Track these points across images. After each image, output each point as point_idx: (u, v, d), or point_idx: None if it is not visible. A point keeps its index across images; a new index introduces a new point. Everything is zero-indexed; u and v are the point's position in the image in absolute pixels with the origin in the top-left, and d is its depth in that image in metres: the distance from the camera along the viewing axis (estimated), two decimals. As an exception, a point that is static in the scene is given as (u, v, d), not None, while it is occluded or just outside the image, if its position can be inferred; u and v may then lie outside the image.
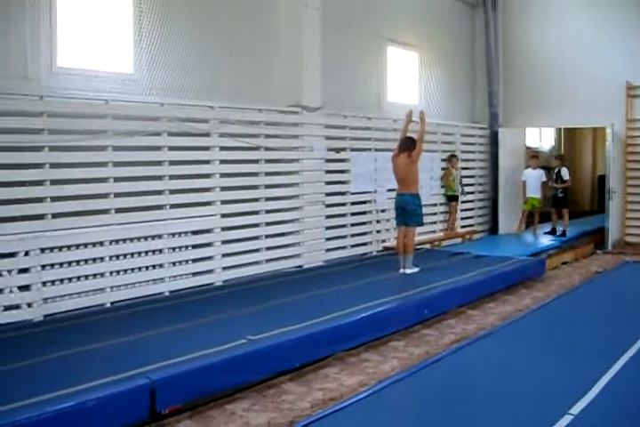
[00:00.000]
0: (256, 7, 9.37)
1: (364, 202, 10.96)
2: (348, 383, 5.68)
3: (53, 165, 6.94)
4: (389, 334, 7.01)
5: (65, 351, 5.44)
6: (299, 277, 8.99)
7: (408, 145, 9.06)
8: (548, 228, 13.60)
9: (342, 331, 6.33)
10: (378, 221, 11.18)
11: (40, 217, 6.84)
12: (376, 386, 5.48)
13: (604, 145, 14.40)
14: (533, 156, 13.96)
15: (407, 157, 9.00)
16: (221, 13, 8.88)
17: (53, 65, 7.40)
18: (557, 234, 13.26)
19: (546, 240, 12.93)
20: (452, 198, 13.07)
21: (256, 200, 9.05)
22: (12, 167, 6.64)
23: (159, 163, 7.92)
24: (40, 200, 6.85)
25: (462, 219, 13.61)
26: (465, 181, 13.56)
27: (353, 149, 10.66)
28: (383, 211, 11.11)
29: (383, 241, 11.27)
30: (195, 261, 8.27)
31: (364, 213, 10.94)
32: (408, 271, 8.96)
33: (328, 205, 10.17)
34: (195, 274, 8.27)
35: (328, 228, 10.14)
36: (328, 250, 10.08)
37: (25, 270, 6.67)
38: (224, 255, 8.59)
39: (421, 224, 9.48)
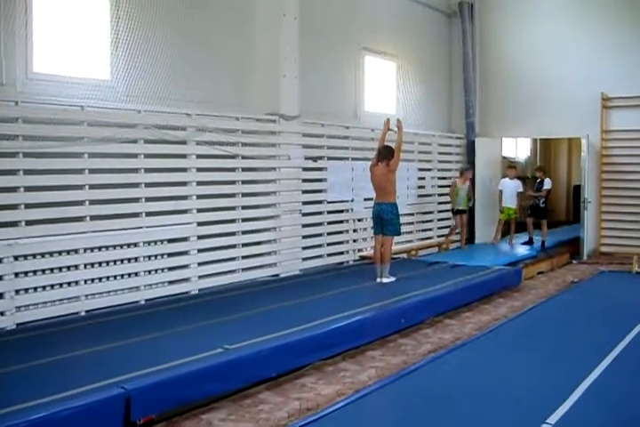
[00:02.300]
0: (235, 15, 9.38)
1: (341, 211, 10.95)
2: (326, 393, 5.63)
3: (28, 172, 6.87)
4: (366, 344, 6.98)
5: (37, 361, 5.35)
6: (275, 286, 8.95)
7: (386, 154, 9.05)
8: (524, 238, 13.66)
9: (319, 340, 6.29)
10: (354, 231, 11.17)
11: (14, 224, 6.76)
12: (353, 395, 5.44)
13: (579, 155, 14.54)
14: (511, 166, 14.03)
15: (385, 167, 8.98)
16: (199, 21, 8.85)
17: (29, 71, 7.32)
18: (537, 245, 13.31)
19: (522, 250, 12.99)
20: (457, 212, 13.09)
21: (233, 209, 9.01)
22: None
23: (135, 170, 7.87)
24: (14, 207, 6.77)
25: (439, 228, 13.64)
26: (440, 190, 13.61)
27: (330, 158, 10.66)
28: (360, 220, 11.10)
29: (360, 250, 11.26)
30: (170, 269, 8.21)
31: (341, 221, 10.94)
32: (385, 280, 8.94)
33: (305, 214, 10.15)
34: (170, 282, 8.21)
35: (305, 237, 10.11)
36: (304, 259, 10.05)
37: (-3, 278, 6.59)
38: (200, 264, 8.54)
39: (399, 233, 9.42)
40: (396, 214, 9.16)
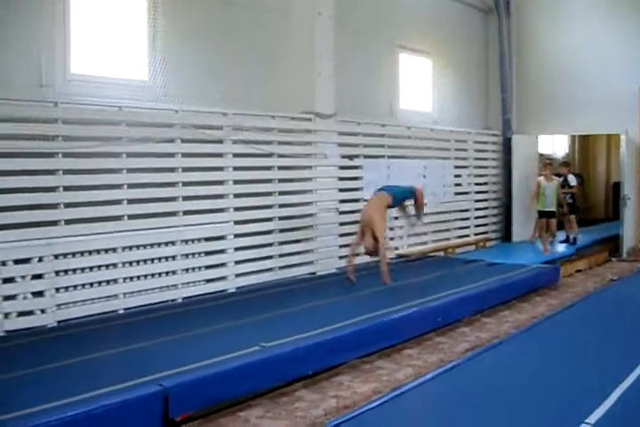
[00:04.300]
0: (270, 14, 9.40)
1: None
2: (362, 391, 5.64)
3: (67, 172, 6.97)
4: (403, 342, 6.96)
5: (78, 358, 5.42)
6: (311, 284, 8.96)
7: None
8: (563, 236, 13.49)
9: (356, 338, 6.30)
10: (391, 229, 11.14)
11: (54, 223, 6.87)
12: (390, 394, 5.42)
13: (618, 152, 14.34)
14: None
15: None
16: (235, 20, 8.92)
17: (67, 72, 7.44)
18: (569, 242, 13.15)
19: (560, 248, 12.85)
20: (543, 215, 12.44)
21: (269, 207, 9.03)
22: (27, 173, 6.66)
23: (172, 169, 7.93)
24: (54, 206, 6.87)
25: (475, 226, 13.55)
26: (477, 188, 13.51)
27: (366, 156, 10.63)
28: (396, 218, 11.07)
29: (396, 248, 11.22)
30: (207, 267, 8.26)
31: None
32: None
33: (341, 212, 10.14)
34: (208, 281, 8.27)
35: (341, 235, 10.10)
36: (341, 257, 10.03)
37: (39, 276, 6.69)
38: (237, 262, 8.58)
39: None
40: None
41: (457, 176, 12.94)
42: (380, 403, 5.16)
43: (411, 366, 6.35)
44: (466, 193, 13.29)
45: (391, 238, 11.14)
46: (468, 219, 13.35)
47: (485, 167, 13.89)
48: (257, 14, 9.20)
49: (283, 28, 9.60)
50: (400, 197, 8.88)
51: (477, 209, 13.59)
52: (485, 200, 13.82)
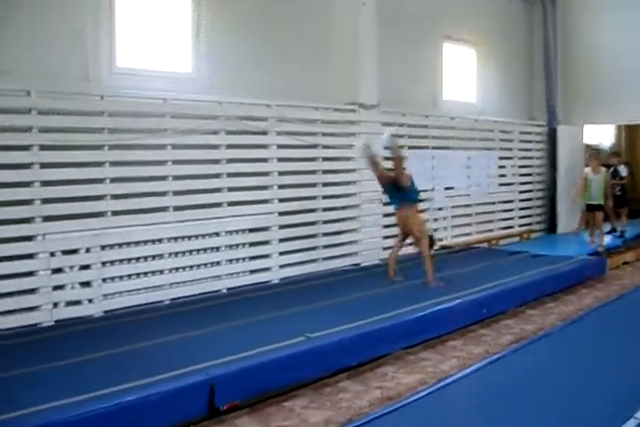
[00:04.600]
0: (315, 6, 9.38)
1: (421, 200, 10.85)
2: (407, 382, 5.63)
3: (113, 164, 7.05)
4: (447, 334, 6.93)
5: (124, 347, 5.51)
6: (355, 275, 8.95)
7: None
8: (609, 228, 13.25)
9: (400, 329, 6.29)
10: (435, 220, 11.09)
11: (101, 215, 6.96)
12: (435, 385, 5.40)
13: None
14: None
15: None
16: (279, 12, 8.96)
17: (113, 65, 7.56)
18: (617, 234, 12.93)
19: (607, 240, 12.63)
20: (591, 208, 11.77)
21: (313, 198, 9.04)
22: (74, 166, 6.77)
23: (217, 161, 7.97)
24: (100, 198, 6.96)
25: (520, 217, 13.41)
26: (521, 179, 13.37)
27: (410, 147, 10.57)
28: (440, 209, 11.02)
29: (440, 240, 11.16)
30: (252, 258, 8.31)
31: (421, 211, 10.83)
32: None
33: (385, 204, 10.08)
34: (252, 272, 8.31)
35: (385, 226, 10.07)
36: (385, 248, 10.00)
37: (86, 267, 6.81)
38: (281, 253, 8.62)
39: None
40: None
41: (501, 167, 12.80)
42: (425, 394, 5.15)
43: (455, 357, 6.32)
44: (510, 184, 13.13)
45: (435, 229, 11.08)
46: (512, 210, 13.20)
47: (530, 158, 13.73)
48: (301, 6, 9.21)
49: (327, 19, 9.58)
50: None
51: (522, 200, 13.44)
52: (530, 191, 13.65)
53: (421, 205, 10.63)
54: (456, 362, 6.16)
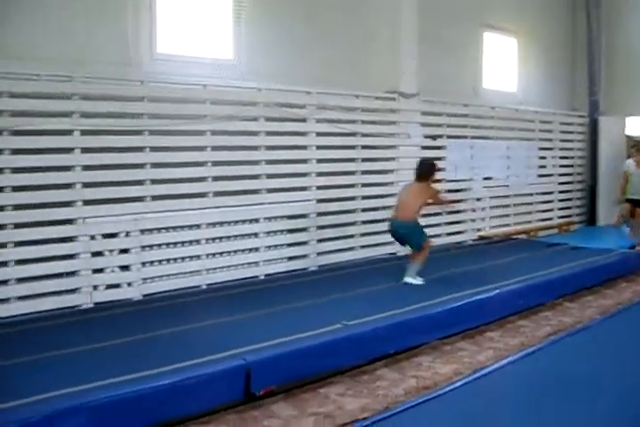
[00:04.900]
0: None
1: (460, 190, 10.80)
2: (443, 372, 5.58)
3: (153, 149, 7.10)
4: (485, 324, 6.87)
5: (162, 331, 5.55)
6: (392, 264, 8.90)
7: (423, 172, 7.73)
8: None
9: (437, 319, 6.25)
10: (473, 210, 11.01)
11: (140, 199, 7.02)
12: (471, 376, 5.36)
13: None
14: (636, 146, 12.62)
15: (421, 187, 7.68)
16: (319, 2, 8.94)
17: (154, 51, 7.59)
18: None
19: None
20: (633, 202, 11.34)
21: (352, 186, 9.02)
22: (115, 151, 6.83)
23: (256, 148, 7.99)
24: (140, 183, 7.02)
25: (559, 209, 13.26)
26: (562, 170, 13.20)
27: (449, 137, 10.50)
28: (479, 199, 10.93)
29: (478, 230, 11.09)
30: (290, 245, 8.33)
31: (460, 201, 10.78)
32: (408, 280, 7.54)
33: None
34: (289, 259, 8.33)
35: (423, 215, 10.00)
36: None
37: (125, 251, 6.88)
38: (319, 241, 8.62)
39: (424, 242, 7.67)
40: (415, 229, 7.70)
41: (541, 158, 12.65)
42: (461, 384, 5.11)
43: (492, 348, 6.26)
44: (549, 175, 12.98)
45: (472, 220, 11.01)
46: (551, 202, 13.06)
47: (570, 149, 13.54)
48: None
49: (368, 6, 9.53)
50: None
51: (561, 192, 13.28)
52: (570, 183, 13.49)
53: (460, 195, 10.57)
54: (492, 353, 6.10)
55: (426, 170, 7.65)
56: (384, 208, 9.43)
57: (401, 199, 7.72)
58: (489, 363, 5.77)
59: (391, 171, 9.57)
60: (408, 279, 7.50)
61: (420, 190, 7.60)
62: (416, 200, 7.55)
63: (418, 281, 7.51)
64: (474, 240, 10.98)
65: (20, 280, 6.31)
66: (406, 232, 7.57)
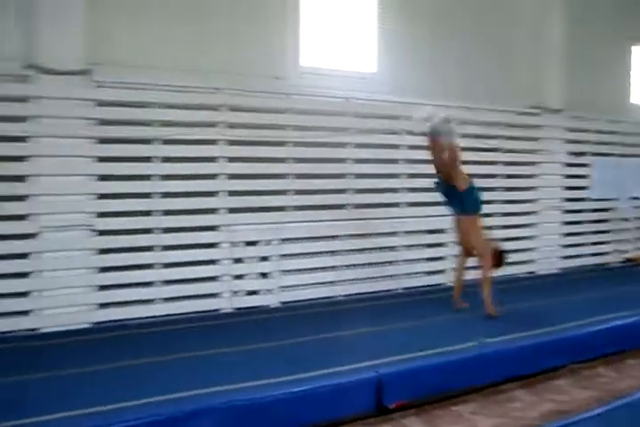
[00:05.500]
0: (496, 6, 9.25)
1: (605, 209, 10.41)
2: (581, 397, 5.39)
3: (297, 160, 7.26)
4: (627, 351, 6.59)
5: (298, 338, 5.66)
6: (530, 283, 8.72)
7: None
8: None
9: (577, 342, 6.05)
10: (619, 231, 10.60)
11: (282, 209, 7.20)
12: (612, 404, 5.14)
13: None
14: None
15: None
16: (461, 14, 8.89)
17: (298, 65, 7.76)
18: None
19: None
20: None
21: (492, 202, 8.88)
22: (259, 161, 7.05)
23: (396, 161, 8.00)
24: (283, 193, 7.21)
25: None
26: None
27: (594, 154, 10.16)
28: (626, 220, 10.50)
29: (624, 252, 10.65)
30: (428, 260, 8.29)
31: (605, 221, 10.40)
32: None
33: (566, 211, 9.77)
34: (428, 273, 8.29)
35: (565, 234, 9.74)
36: (565, 257, 9.68)
37: (265, 259, 7.07)
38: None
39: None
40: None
41: None
42: (600, 412, 4.90)
43: (634, 377, 5.99)
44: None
45: (619, 241, 10.58)
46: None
47: None
48: (482, 7, 9.09)
49: (510, 19, 9.40)
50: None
51: None
52: None
53: (605, 215, 10.15)
54: (634, 382, 5.84)
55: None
56: (525, 226, 9.26)
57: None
58: (632, 391, 5.53)
59: (532, 188, 9.36)
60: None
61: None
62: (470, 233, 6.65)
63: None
64: (620, 262, 10.55)
65: (166, 282, 6.60)
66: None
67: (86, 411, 3.92)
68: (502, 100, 9.09)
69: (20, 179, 6.00)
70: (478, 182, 8.50)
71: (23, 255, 6.03)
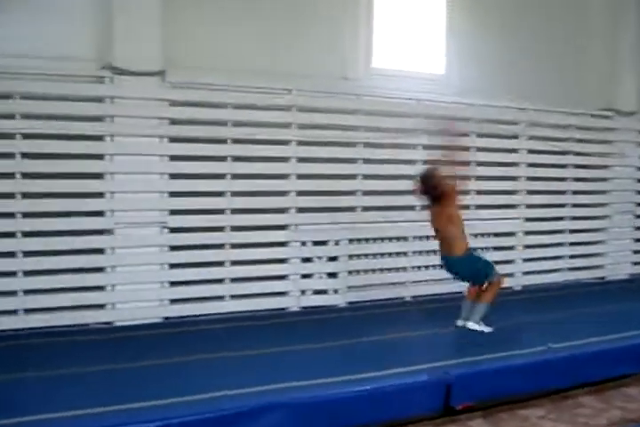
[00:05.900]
0: (565, 7, 9.12)
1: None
2: (653, 406, 5.32)
3: (366, 161, 7.31)
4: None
5: (365, 338, 5.73)
6: (601, 288, 8.59)
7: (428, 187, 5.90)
8: None
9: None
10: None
11: (351, 209, 7.25)
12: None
13: None
14: None
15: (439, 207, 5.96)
16: (530, 15, 8.79)
17: (369, 66, 7.79)
18: None
19: None
20: None
21: (562, 206, 8.78)
22: (329, 161, 7.13)
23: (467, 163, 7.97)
24: (352, 193, 7.26)
25: None
26: None
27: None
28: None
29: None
30: (496, 263, 8.18)
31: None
32: (470, 326, 5.99)
33: (638, 216, 9.58)
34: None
35: (636, 240, 9.55)
36: (635, 263, 9.50)
37: (334, 259, 7.12)
38: (525, 260, 8.47)
39: (491, 275, 6.15)
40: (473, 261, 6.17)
41: None
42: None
43: None
44: None
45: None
46: None
47: None
48: (553, 8, 8.98)
49: (581, 21, 9.26)
50: None
51: None
52: None
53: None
54: None
55: (431, 183, 5.83)
56: (594, 231, 9.11)
57: (435, 229, 6.14)
58: None
59: (603, 192, 9.21)
60: (471, 325, 5.99)
61: (444, 212, 5.92)
62: (448, 227, 5.96)
63: (483, 328, 5.98)
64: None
65: (235, 280, 6.72)
66: (461, 269, 6.08)
67: (166, 401, 4.07)
68: (573, 103, 8.94)
69: (97, 176, 6.19)
70: (547, 186, 8.47)
71: (99, 251, 6.22)
